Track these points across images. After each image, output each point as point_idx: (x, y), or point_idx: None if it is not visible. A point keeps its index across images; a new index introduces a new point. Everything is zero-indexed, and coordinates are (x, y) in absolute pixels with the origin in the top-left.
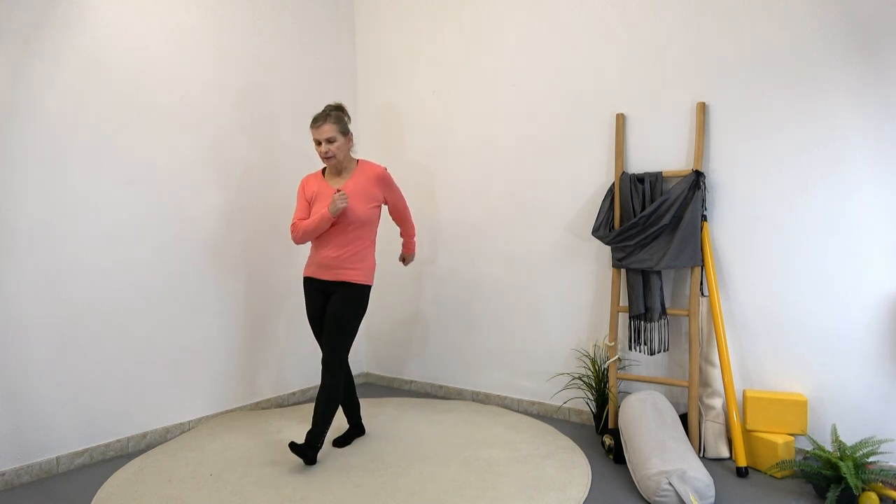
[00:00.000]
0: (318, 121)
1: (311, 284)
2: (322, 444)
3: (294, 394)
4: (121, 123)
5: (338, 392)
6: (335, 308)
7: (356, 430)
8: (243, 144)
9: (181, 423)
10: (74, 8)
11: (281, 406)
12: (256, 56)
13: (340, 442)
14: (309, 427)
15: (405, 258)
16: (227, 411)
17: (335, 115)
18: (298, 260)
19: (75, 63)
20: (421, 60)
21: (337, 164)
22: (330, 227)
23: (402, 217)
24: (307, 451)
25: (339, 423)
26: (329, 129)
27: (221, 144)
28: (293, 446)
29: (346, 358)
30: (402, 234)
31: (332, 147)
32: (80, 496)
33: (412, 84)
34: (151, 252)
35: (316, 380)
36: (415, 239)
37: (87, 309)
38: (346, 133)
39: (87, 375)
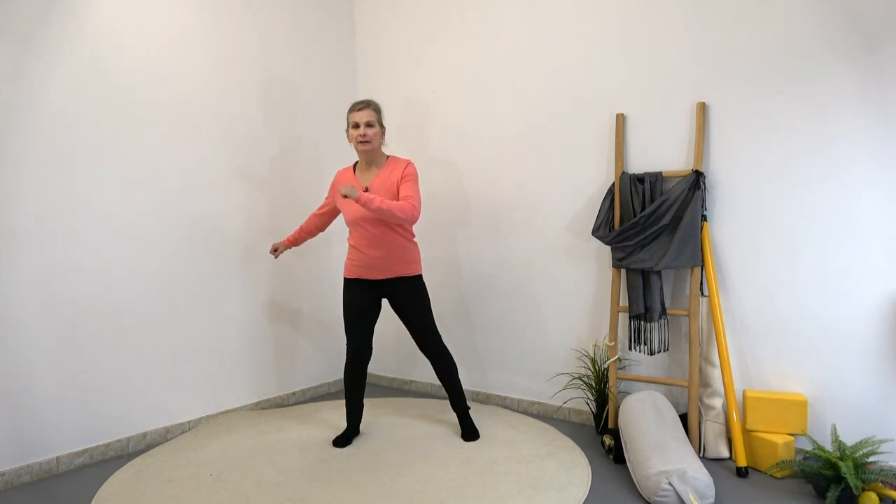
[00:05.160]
0: (360, 105)
1: (355, 284)
2: (467, 406)
3: (294, 394)
4: (121, 123)
5: (453, 363)
6: (410, 305)
7: (355, 430)
8: (243, 144)
9: (181, 423)
10: (74, 7)
11: (281, 406)
12: (256, 56)
13: (340, 442)
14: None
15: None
16: (227, 411)
17: (376, 104)
18: (299, 259)
19: (75, 62)
20: (421, 60)
21: (371, 150)
22: (365, 227)
23: (403, 197)
24: (471, 431)
25: (339, 422)
26: (370, 114)
27: (221, 143)
28: (467, 436)
29: (440, 337)
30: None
31: (370, 132)
32: (80, 496)
33: (412, 84)
34: (151, 252)
35: (316, 379)
36: (390, 205)
37: (87, 309)
38: (382, 124)
39: (87, 375)
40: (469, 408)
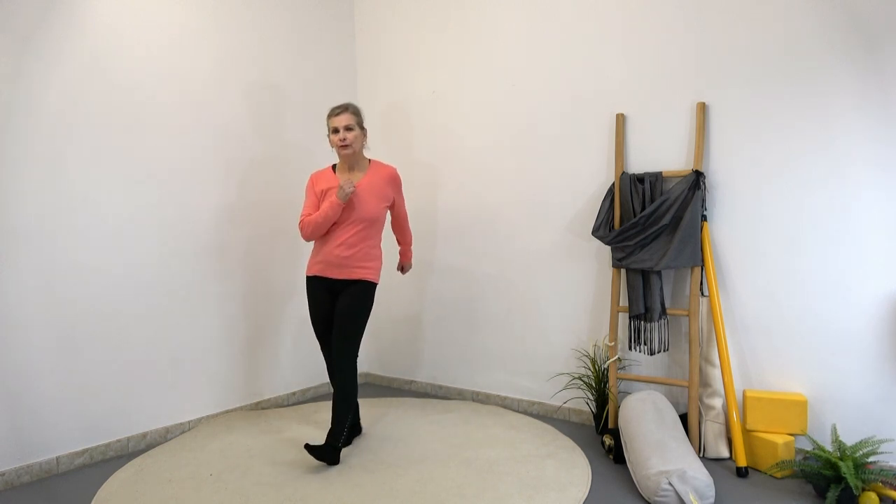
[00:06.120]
0: (337, 109)
1: (317, 283)
2: (343, 443)
3: (294, 394)
4: (120, 123)
5: (354, 389)
6: (347, 307)
7: (353, 429)
8: (243, 144)
9: (181, 423)
10: (74, 7)
11: (281, 406)
12: (256, 56)
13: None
14: (326, 427)
15: (404, 266)
16: (227, 411)
17: (354, 107)
18: (300, 259)
19: (75, 62)
20: (421, 60)
21: (351, 154)
22: (340, 226)
23: (401, 224)
24: (328, 452)
25: None
26: (348, 118)
27: (221, 144)
28: (310, 449)
29: (356, 354)
30: (399, 243)
31: (350, 135)
32: (80, 496)
33: (412, 84)
34: (151, 251)
35: (316, 379)
36: (412, 247)
37: (87, 309)
38: (362, 127)
39: (87, 375)
40: (341, 447)
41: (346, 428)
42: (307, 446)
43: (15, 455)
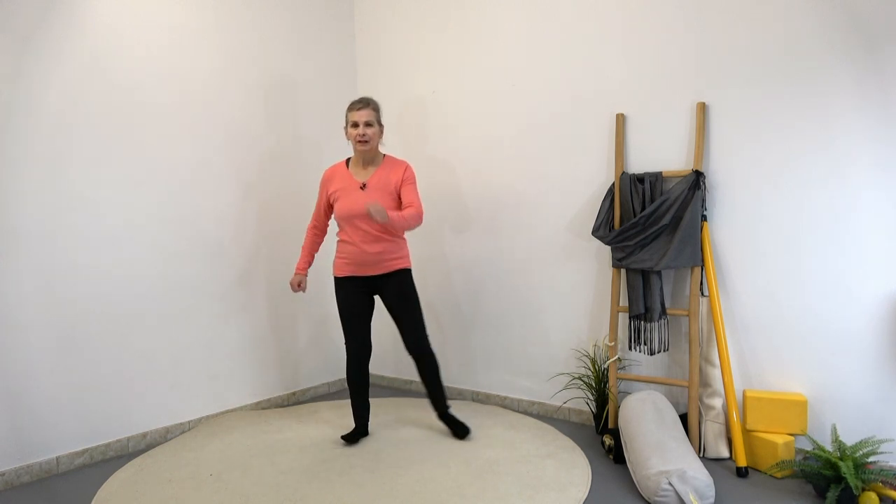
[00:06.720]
0: (359, 104)
1: (350, 283)
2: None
3: (294, 394)
4: (121, 123)
5: (438, 366)
6: (402, 299)
7: (364, 429)
8: (243, 144)
9: (181, 423)
10: (74, 7)
11: (281, 406)
12: (256, 56)
13: (349, 438)
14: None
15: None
16: (227, 411)
17: (375, 103)
18: (298, 259)
19: (75, 62)
20: (421, 60)
21: (368, 150)
22: (359, 226)
23: (407, 203)
24: (462, 426)
25: (339, 422)
26: (369, 114)
27: (221, 143)
28: (460, 431)
29: (428, 335)
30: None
31: (370, 131)
32: (80, 496)
33: (412, 84)
34: (151, 252)
35: (316, 379)
36: (406, 218)
37: (87, 309)
38: (380, 123)
39: (87, 375)
40: (450, 406)
41: (445, 392)
42: (459, 434)
43: (15, 455)
